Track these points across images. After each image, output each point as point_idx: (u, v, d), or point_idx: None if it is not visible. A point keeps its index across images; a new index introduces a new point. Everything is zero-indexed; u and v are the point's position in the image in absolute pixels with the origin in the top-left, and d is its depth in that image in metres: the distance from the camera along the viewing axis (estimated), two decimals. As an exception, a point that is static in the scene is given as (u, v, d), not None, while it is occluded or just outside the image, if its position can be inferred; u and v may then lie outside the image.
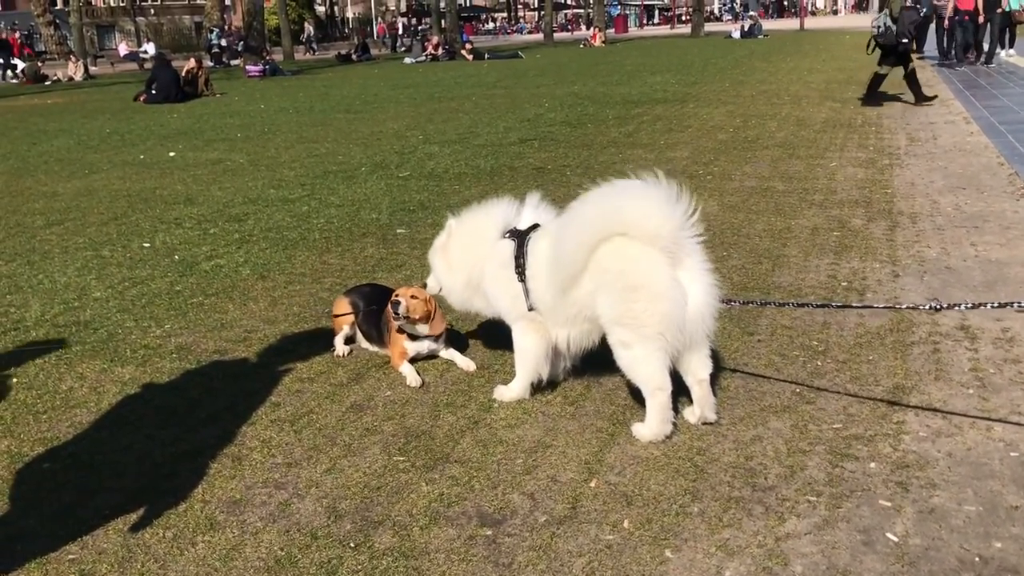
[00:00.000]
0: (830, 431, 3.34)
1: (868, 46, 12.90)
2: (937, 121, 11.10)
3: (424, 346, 4.15)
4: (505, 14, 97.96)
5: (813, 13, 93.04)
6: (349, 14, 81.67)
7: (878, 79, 13.00)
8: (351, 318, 4.36)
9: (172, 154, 11.63)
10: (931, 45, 21.76)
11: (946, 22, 18.30)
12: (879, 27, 12.69)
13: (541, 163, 9.38)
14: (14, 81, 32.85)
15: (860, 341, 4.18)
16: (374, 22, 65.52)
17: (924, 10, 12.70)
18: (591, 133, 11.53)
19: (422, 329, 4.08)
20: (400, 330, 4.09)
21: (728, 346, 4.19)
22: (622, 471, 3.13)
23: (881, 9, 13.55)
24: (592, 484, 3.06)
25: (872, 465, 3.09)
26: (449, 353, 4.23)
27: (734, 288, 5.01)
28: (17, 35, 36.16)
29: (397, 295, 4.04)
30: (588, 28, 58.21)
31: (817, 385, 3.74)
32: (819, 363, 3.96)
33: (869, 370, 3.86)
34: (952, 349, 4.05)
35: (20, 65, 34.62)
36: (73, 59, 34.89)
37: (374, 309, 4.31)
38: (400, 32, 56.41)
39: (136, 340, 4.65)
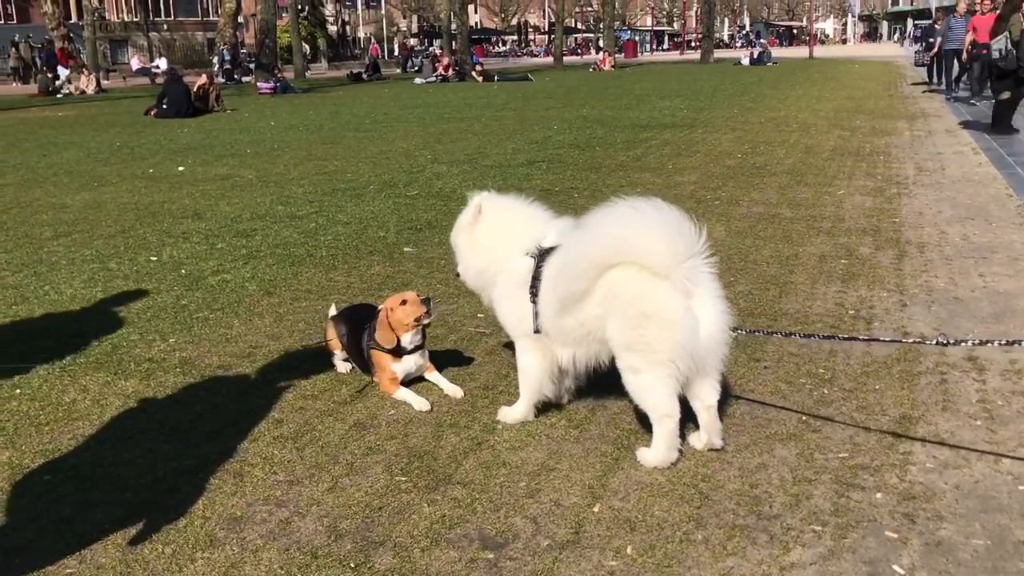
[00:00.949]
0: (836, 460, 3.31)
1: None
2: (945, 152, 11.10)
3: (412, 363, 4.04)
4: (516, 37, 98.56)
5: (823, 41, 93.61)
6: (361, 33, 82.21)
7: (1002, 104, 12.66)
8: (339, 342, 4.29)
9: (181, 168, 11.67)
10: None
11: (964, 55, 18.26)
12: (999, 51, 12.53)
13: (549, 185, 9.40)
14: (65, 92, 32.99)
15: (867, 370, 4.16)
16: (385, 42, 65.92)
17: None
18: (599, 156, 11.55)
19: (415, 339, 4.01)
20: (382, 350, 3.99)
21: (734, 373, 4.16)
22: (626, 496, 3.10)
23: (994, 35, 13.35)
24: (595, 509, 3.04)
25: (878, 496, 3.06)
26: (434, 376, 4.14)
27: (741, 314, 4.98)
28: (64, 45, 36.42)
29: (388, 306, 3.98)
30: (598, 52, 58.50)
31: (823, 414, 3.72)
32: (825, 391, 3.93)
33: (876, 399, 3.83)
34: (960, 380, 4.03)
35: (64, 74, 34.85)
36: (86, 72, 35.11)
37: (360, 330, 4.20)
38: (396, 53, 57.17)
39: (140, 353, 4.64)
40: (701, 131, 14.04)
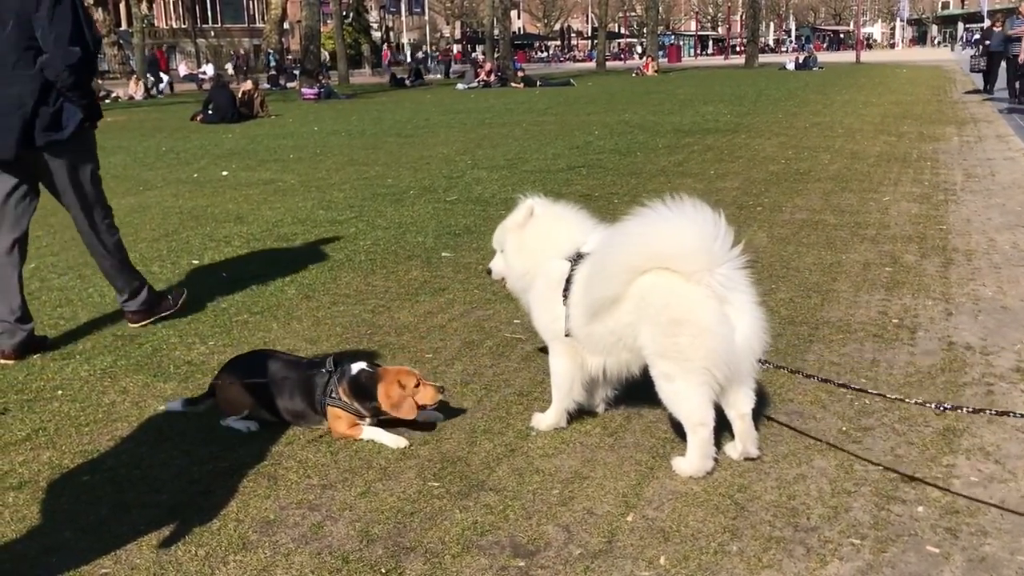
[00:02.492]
0: (876, 472, 3.24)
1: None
2: (996, 157, 10.88)
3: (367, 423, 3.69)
4: (558, 42, 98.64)
5: (870, 46, 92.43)
6: (404, 40, 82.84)
7: None
8: (249, 403, 3.77)
9: (225, 173, 11.81)
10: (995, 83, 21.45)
11: (1021, 58, 17.78)
12: None
13: (588, 190, 9.36)
14: (162, 96, 33.81)
15: (910, 380, 4.07)
16: (428, 48, 66.27)
17: None
18: (640, 161, 11.48)
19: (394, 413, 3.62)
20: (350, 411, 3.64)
21: (774, 382, 4.10)
22: (660, 506, 3.06)
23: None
24: (629, 518, 3.00)
25: (920, 509, 2.99)
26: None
27: (782, 322, 4.91)
28: (164, 49, 37.49)
29: (399, 380, 3.59)
30: (641, 57, 58.30)
31: (864, 424, 3.64)
32: (867, 401, 3.85)
33: (919, 411, 3.75)
34: (1007, 391, 3.92)
35: (166, 79, 35.58)
36: (134, 79, 35.76)
37: (287, 378, 3.75)
38: (421, 58, 57.21)
39: (179, 356, 4.69)
40: (744, 136, 13.91)
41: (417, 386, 3.61)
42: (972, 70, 20.52)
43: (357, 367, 3.71)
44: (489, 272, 3.90)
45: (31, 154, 4.64)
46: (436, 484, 3.26)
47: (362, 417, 3.65)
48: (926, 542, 2.80)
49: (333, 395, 3.66)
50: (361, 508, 3.12)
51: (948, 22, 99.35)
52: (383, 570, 2.74)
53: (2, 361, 4.68)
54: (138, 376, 4.42)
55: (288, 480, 3.33)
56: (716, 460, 3.27)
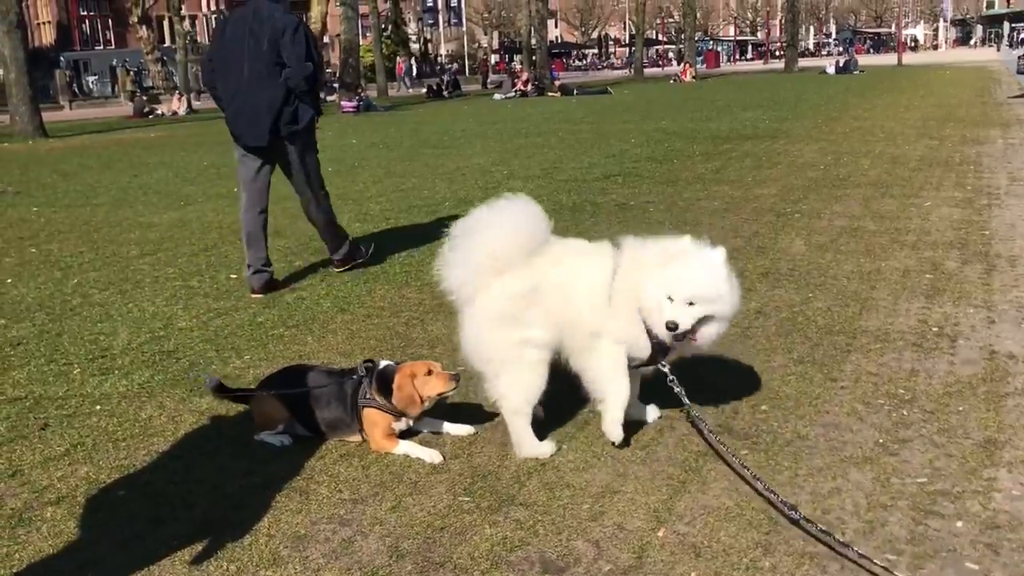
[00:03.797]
0: (914, 485, 3.17)
1: None
2: (1041, 159, 10.65)
3: (404, 422, 3.73)
4: (596, 50, 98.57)
5: (913, 48, 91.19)
6: (443, 51, 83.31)
7: None
8: (284, 416, 3.81)
9: (264, 187, 11.92)
10: None
11: None
12: None
13: (624, 199, 9.32)
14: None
15: (950, 390, 3.99)
16: (466, 59, 66.58)
17: None
18: (677, 169, 11.42)
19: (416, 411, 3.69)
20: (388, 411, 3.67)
21: (809, 392, 4.04)
22: (692, 521, 3.03)
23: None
24: (660, 533, 2.97)
25: (959, 524, 2.92)
26: (433, 424, 3.85)
27: (819, 331, 4.85)
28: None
29: (412, 371, 3.63)
30: (679, 63, 58.04)
31: (902, 436, 3.57)
32: (905, 412, 3.78)
33: (959, 421, 3.67)
34: (1051, 402, 3.83)
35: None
36: (177, 94, 36.36)
37: (321, 388, 3.78)
38: (416, 68, 56.46)
39: (216, 370, 4.74)
40: (783, 142, 13.78)
41: (429, 374, 3.63)
42: (1020, 72, 19.66)
43: (384, 364, 3.76)
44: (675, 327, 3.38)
45: (276, 141, 6.22)
46: (466, 499, 3.26)
47: (398, 417, 3.67)
48: (965, 558, 2.74)
49: (366, 396, 3.69)
50: (391, 523, 3.12)
51: (993, 22, 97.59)
52: (412, 586, 2.74)
53: (254, 296, 6.21)
54: (175, 391, 4.47)
55: (319, 495, 3.35)
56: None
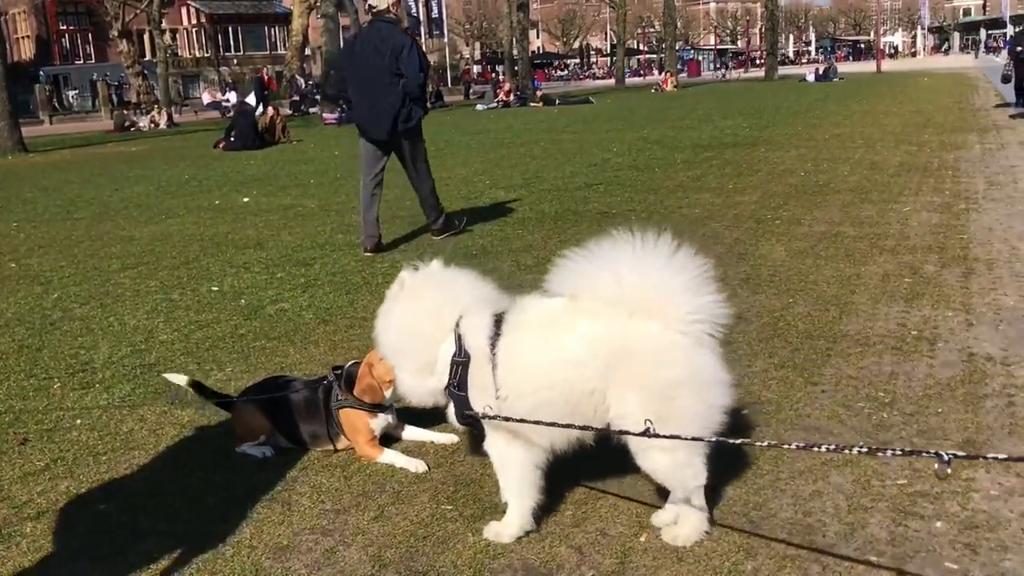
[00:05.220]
0: (894, 487, 3.20)
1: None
2: (1019, 164, 10.75)
3: (384, 419, 3.73)
4: (578, 60, 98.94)
5: (892, 55, 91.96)
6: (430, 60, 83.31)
7: None
8: (265, 428, 3.81)
9: (246, 200, 11.92)
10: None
11: None
12: None
13: (606, 207, 9.35)
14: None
15: (929, 393, 4.02)
16: (448, 71, 66.64)
17: None
18: (658, 177, 11.47)
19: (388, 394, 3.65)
20: (362, 407, 3.69)
21: (790, 396, 4.06)
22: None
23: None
24: (642, 539, 2.97)
25: (938, 524, 2.94)
26: (414, 432, 3.87)
27: (800, 336, 4.88)
28: (268, 71, 37.14)
29: (368, 361, 3.67)
30: (660, 73, 58.33)
31: (882, 439, 3.59)
32: (885, 415, 3.81)
33: (938, 423, 3.70)
34: (1028, 402, 3.86)
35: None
36: (158, 107, 36.25)
37: (299, 396, 3.80)
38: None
39: (190, 373, 4.71)
40: (763, 149, 13.86)
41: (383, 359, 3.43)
42: (1005, 80, 19.29)
43: (351, 363, 3.79)
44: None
45: (394, 136, 7.83)
46: (449, 507, 3.25)
47: (374, 412, 3.68)
48: (945, 558, 2.76)
49: (338, 399, 3.71)
50: (374, 532, 3.11)
51: (970, 29, 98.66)
52: (395, 595, 2.74)
53: (366, 253, 7.82)
54: (156, 404, 4.45)
55: (301, 505, 3.34)
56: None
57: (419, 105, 7.87)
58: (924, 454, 2.34)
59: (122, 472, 3.70)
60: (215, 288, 6.83)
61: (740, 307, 5.43)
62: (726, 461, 3.38)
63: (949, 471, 2.12)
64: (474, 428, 3.08)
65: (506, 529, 3.02)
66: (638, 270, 2.79)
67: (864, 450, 2.54)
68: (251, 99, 29.41)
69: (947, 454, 2.13)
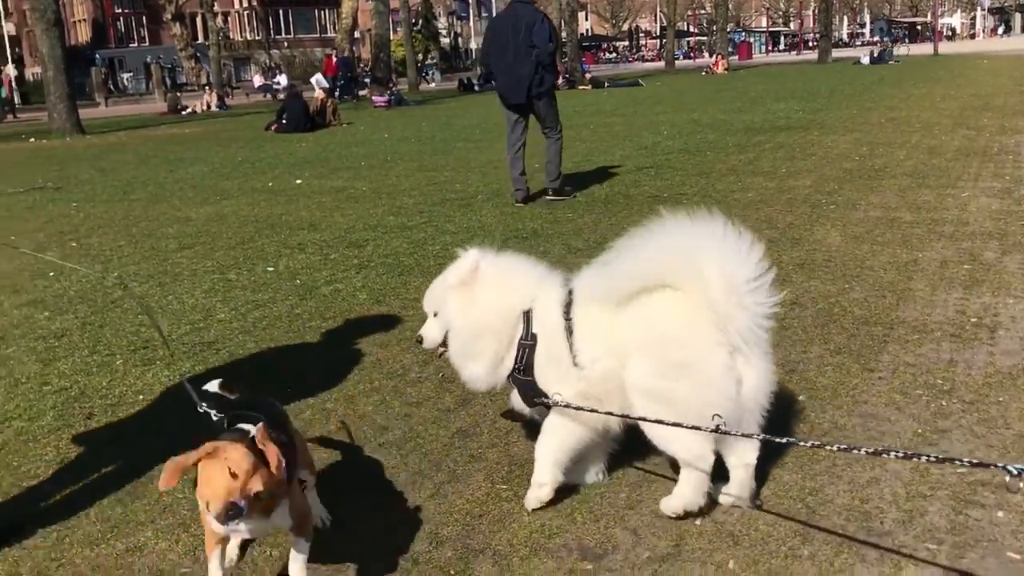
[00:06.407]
0: (954, 475, 3.16)
1: None
2: (1082, 149, 10.48)
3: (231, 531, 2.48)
4: (627, 42, 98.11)
5: (950, 37, 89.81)
6: (472, 45, 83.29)
7: None
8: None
9: (299, 182, 12.05)
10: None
11: None
12: None
13: (656, 191, 9.30)
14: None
15: (989, 381, 3.96)
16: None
17: None
18: (710, 161, 11.37)
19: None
20: None
21: (846, 383, 4.03)
22: (729, 510, 3.03)
23: None
24: (697, 522, 2.98)
25: (1000, 514, 2.91)
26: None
27: (856, 322, 4.82)
28: (334, 56, 37.13)
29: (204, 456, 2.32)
30: (711, 55, 57.62)
31: (941, 427, 3.55)
32: (944, 403, 3.76)
33: (999, 412, 3.64)
34: (1093, 392, 3.79)
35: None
36: (209, 90, 36.70)
37: None
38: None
39: (253, 363, 4.81)
40: (817, 133, 13.66)
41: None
42: None
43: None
44: (420, 340, 3.29)
45: (529, 100, 9.04)
46: (504, 487, 3.29)
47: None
48: (1007, 548, 2.73)
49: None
50: (430, 510, 3.16)
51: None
52: (452, 572, 2.78)
53: (517, 204, 9.09)
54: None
55: (358, 484, 3.39)
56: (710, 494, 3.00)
57: (550, 72, 9.03)
58: (992, 467, 2.30)
59: (184, 447, 3.77)
60: (270, 269, 6.93)
61: (795, 292, 5.39)
62: (781, 447, 3.38)
63: (1022, 485, 2.10)
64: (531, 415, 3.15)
65: (537, 492, 3.08)
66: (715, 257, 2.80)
67: (930, 458, 2.52)
68: (323, 81, 29.55)
69: (1016, 467, 2.10)
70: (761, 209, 8.01)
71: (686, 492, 2.95)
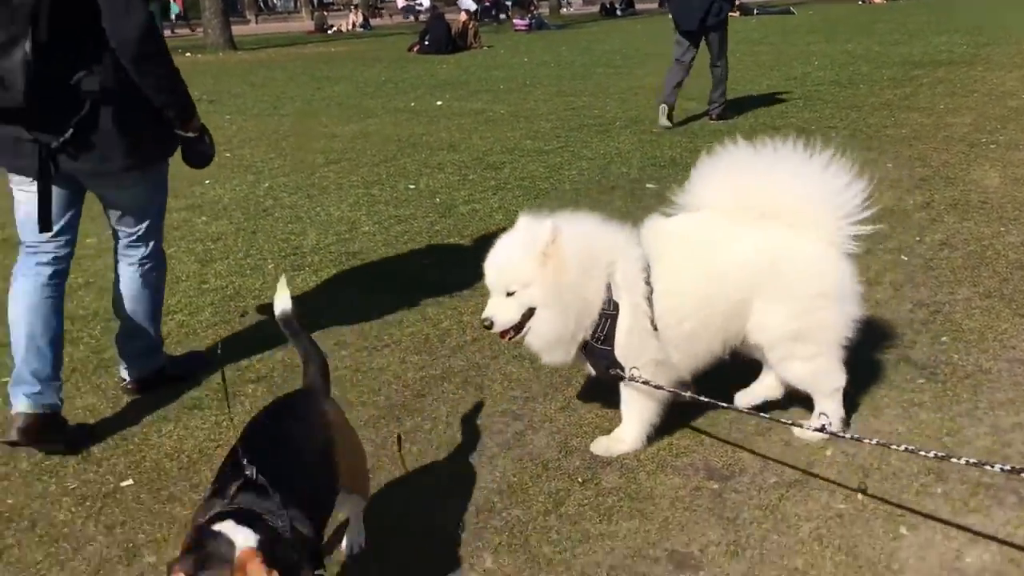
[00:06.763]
0: (1106, 426, 3.04)
1: None
2: None
3: None
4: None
5: None
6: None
7: None
8: None
9: (439, 103, 12.19)
10: None
11: None
12: None
13: (804, 123, 9.00)
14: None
15: None
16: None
17: None
18: (862, 94, 10.88)
19: None
20: None
21: (995, 327, 3.88)
22: (859, 444, 3.00)
23: None
24: (828, 452, 2.98)
25: None
26: None
27: (1009, 266, 4.61)
28: None
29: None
30: (869, -16, 54.42)
31: (1096, 376, 3.40)
32: (1101, 353, 3.59)
33: None
34: None
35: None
36: (354, 10, 37.19)
37: None
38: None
39: (397, 272, 4.99)
40: (981, 69, 12.84)
41: None
42: None
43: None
44: (490, 325, 2.88)
45: (702, 28, 9.16)
46: (634, 405, 3.34)
47: None
48: None
49: None
50: (561, 421, 3.26)
51: None
52: (580, 480, 2.88)
53: (661, 125, 9.32)
54: (360, 285, 4.75)
55: (493, 391, 3.52)
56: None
57: (727, 2, 9.21)
58: None
59: (329, 348, 3.99)
60: (412, 186, 7.11)
61: (945, 233, 5.19)
62: (919, 386, 3.32)
63: None
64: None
65: (617, 446, 3.04)
66: (791, 180, 2.93)
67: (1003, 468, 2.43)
68: (470, 2, 29.54)
69: None
70: (914, 146, 7.65)
71: (835, 410, 3.04)
